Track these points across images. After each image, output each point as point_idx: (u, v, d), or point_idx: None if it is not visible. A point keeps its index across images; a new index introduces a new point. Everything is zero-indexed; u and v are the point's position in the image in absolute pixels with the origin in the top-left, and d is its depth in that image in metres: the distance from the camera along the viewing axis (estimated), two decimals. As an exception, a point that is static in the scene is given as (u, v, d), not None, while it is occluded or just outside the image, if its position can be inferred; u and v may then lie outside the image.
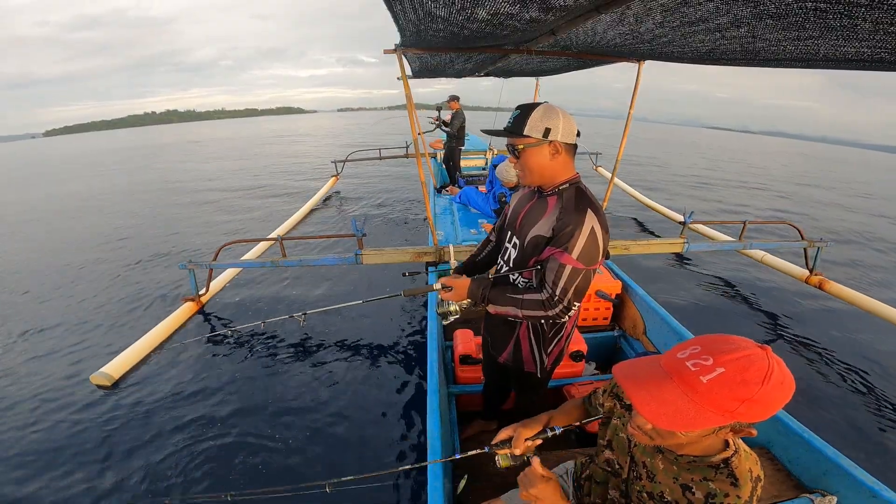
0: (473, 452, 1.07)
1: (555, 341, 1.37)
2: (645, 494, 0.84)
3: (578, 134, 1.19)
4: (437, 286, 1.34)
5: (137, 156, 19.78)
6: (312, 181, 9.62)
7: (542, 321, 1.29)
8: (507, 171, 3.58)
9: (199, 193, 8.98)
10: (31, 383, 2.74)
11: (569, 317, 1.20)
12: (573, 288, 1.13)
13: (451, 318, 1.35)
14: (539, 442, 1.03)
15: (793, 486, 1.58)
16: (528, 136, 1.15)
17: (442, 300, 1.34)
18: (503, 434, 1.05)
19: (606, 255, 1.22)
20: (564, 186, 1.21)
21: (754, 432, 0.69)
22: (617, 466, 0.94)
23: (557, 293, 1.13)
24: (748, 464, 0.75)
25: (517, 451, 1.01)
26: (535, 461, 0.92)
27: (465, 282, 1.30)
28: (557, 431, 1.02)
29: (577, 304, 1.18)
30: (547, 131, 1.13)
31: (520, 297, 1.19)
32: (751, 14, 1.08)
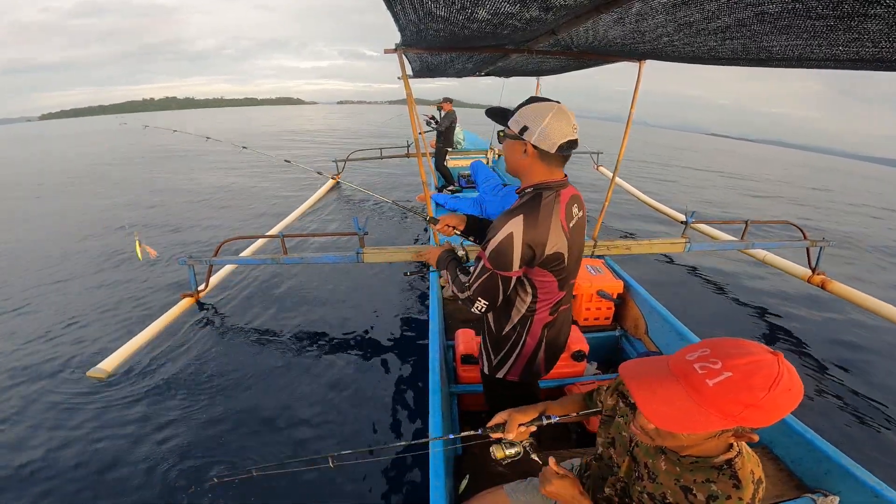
0: (467, 433, 1.06)
1: (514, 352, 1.30)
2: (646, 496, 0.84)
3: (567, 147, 1.11)
4: (438, 226, 1.52)
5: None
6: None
7: (492, 324, 1.33)
8: None
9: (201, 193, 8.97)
10: (26, 378, 2.74)
11: (520, 333, 1.26)
12: (478, 284, 1.17)
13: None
14: (533, 429, 1.02)
15: (794, 486, 1.58)
16: (509, 127, 1.17)
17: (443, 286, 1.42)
18: (498, 418, 1.04)
19: (545, 263, 1.13)
20: (529, 190, 1.19)
21: (755, 437, 0.69)
22: (615, 465, 0.93)
23: (469, 282, 1.19)
24: (750, 465, 0.74)
25: (510, 436, 1.00)
26: (552, 461, 0.92)
27: (436, 251, 1.45)
28: (553, 420, 1.01)
29: (485, 303, 1.18)
30: (524, 129, 1.12)
31: (456, 273, 1.29)
32: (753, 14, 1.07)
